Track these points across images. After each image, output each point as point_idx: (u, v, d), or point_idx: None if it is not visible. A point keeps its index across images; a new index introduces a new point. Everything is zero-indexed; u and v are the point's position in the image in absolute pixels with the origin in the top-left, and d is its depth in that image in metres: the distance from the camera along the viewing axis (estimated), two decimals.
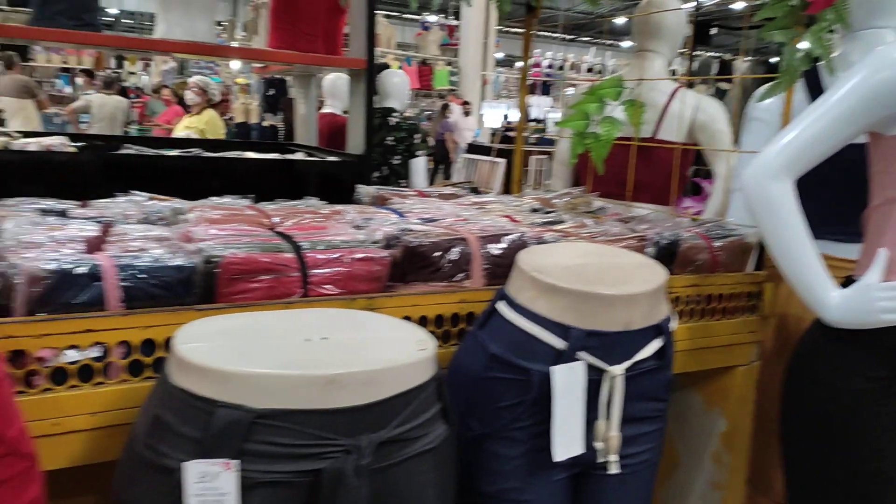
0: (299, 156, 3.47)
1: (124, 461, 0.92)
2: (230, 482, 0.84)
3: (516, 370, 1.09)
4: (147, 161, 2.89)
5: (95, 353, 1.04)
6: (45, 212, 1.43)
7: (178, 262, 1.11)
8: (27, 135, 2.96)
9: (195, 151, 3.28)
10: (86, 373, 1.03)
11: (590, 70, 14.18)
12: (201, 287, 1.13)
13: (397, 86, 3.53)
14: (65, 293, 1.02)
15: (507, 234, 1.39)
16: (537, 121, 11.17)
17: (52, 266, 1.02)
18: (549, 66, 13.90)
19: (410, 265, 1.30)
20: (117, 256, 1.09)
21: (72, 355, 1.02)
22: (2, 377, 0.80)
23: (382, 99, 3.55)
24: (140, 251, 1.13)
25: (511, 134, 10.99)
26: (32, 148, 2.69)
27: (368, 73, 3.01)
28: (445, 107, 10.58)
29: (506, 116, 10.53)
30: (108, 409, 1.04)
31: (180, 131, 5.45)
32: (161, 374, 0.93)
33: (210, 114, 5.40)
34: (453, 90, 11.73)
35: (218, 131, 5.37)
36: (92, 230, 1.27)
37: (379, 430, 0.89)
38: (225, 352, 0.89)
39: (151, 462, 0.87)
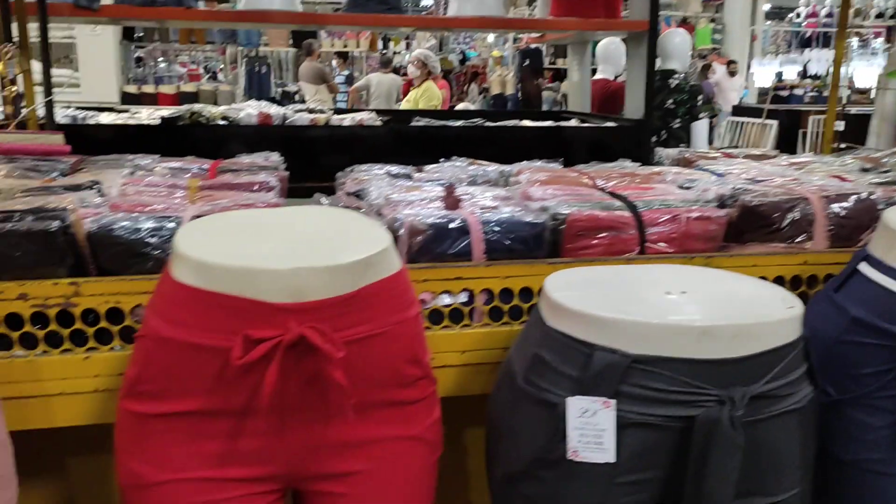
0: (573, 123, 3.52)
1: (502, 393, 1.03)
2: (608, 419, 0.90)
3: (883, 335, 1.02)
4: (439, 131, 3.13)
5: (463, 298, 1.17)
6: (393, 175, 1.62)
7: (530, 218, 1.20)
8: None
9: (478, 122, 3.49)
10: (456, 316, 1.16)
11: (880, 16, 12.39)
12: (549, 242, 1.21)
13: (679, 46, 3.40)
14: (440, 244, 1.16)
15: (852, 194, 1.30)
16: (814, 77, 10.08)
17: (431, 220, 1.16)
18: (829, 16, 12.39)
19: (748, 225, 1.27)
20: (480, 213, 1.20)
21: (445, 299, 1.16)
22: (419, 313, 0.94)
23: (662, 61, 3.44)
24: (494, 209, 1.24)
25: (782, 93, 10.01)
26: (347, 123, 3.05)
27: (651, 35, 2.94)
28: (707, 67, 9.93)
29: (779, 74, 9.61)
30: (473, 349, 1.17)
31: (404, 103, 5.81)
32: (534, 317, 1.02)
33: (427, 84, 5.69)
34: (716, 49, 10.98)
35: (431, 101, 5.64)
36: (439, 191, 1.41)
37: (750, 384, 0.89)
38: (597, 300, 0.95)
39: (531, 395, 0.96)
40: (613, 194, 1.32)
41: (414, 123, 3.41)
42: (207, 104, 3.81)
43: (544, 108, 8.44)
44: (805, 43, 11.62)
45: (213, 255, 0.81)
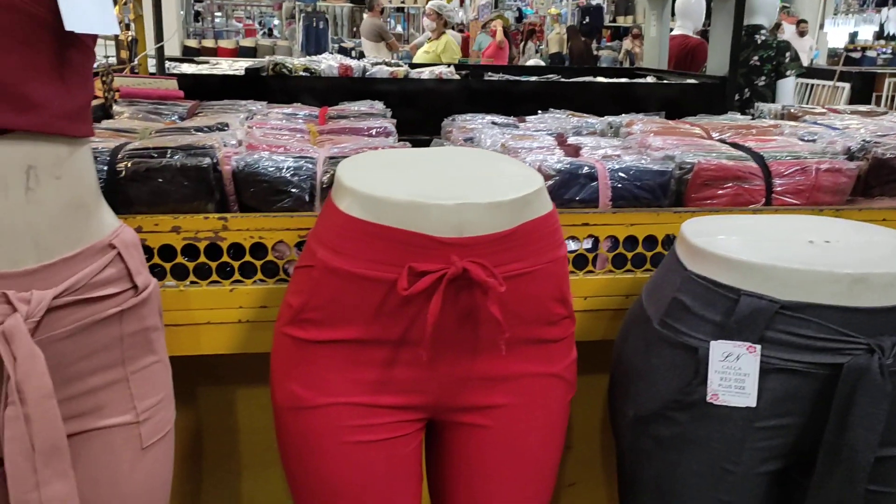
0: (650, 80, 3.45)
1: (633, 338, 1.05)
2: (752, 364, 0.91)
3: None
4: (517, 86, 3.11)
5: (588, 244, 1.18)
6: (498, 125, 1.63)
7: (657, 167, 1.19)
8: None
9: (553, 77, 3.46)
10: (580, 261, 1.18)
11: None
12: (674, 191, 1.21)
13: (766, 0, 3.28)
14: (567, 190, 1.17)
15: None
16: (891, 37, 9.62)
17: (559, 166, 1.17)
18: None
19: (878, 178, 1.24)
20: (606, 161, 1.21)
21: (571, 245, 1.17)
22: (567, 253, 0.95)
23: (748, 15, 3.33)
24: (617, 157, 1.24)
25: (854, 55, 9.61)
26: (426, 76, 3.05)
27: None
28: (777, 26, 9.57)
29: (854, 35, 9.20)
30: (595, 295, 1.18)
31: (420, 57, 5.65)
32: (670, 263, 1.02)
33: (446, 38, 5.50)
34: (786, 7, 10.55)
35: (454, 55, 5.46)
36: (551, 140, 1.42)
37: None
38: (740, 246, 0.95)
39: (668, 339, 0.97)
40: (736, 145, 1.30)
41: (488, 78, 3.39)
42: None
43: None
44: (882, 1, 11.07)
45: (381, 189, 0.83)
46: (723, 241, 0.96)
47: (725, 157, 1.22)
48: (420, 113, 1.99)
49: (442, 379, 0.90)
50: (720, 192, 1.20)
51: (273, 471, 1.35)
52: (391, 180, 0.87)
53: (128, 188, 1.03)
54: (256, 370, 1.27)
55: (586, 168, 1.17)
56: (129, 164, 1.03)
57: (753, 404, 0.92)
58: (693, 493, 0.97)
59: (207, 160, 1.05)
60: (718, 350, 0.92)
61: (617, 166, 1.19)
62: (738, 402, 0.92)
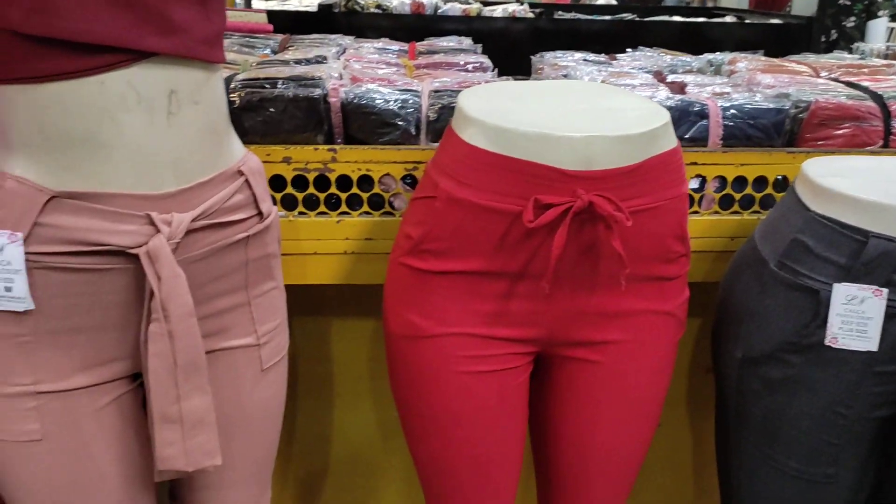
0: (729, 19, 3.31)
1: (745, 279, 1.02)
2: (877, 308, 0.89)
3: None
4: (592, 25, 3.02)
5: (695, 185, 1.15)
6: (588, 61, 1.59)
7: (773, 105, 1.15)
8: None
9: (628, 16, 3.35)
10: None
11: None
12: (787, 131, 1.17)
13: None
14: (677, 128, 1.13)
15: None
16: None
17: (670, 103, 1.13)
18: None
19: None
20: (717, 98, 1.17)
21: None
22: (688, 191, 0.93)
23: None
24: (727, 95, 1.20)
25: None
26: (498, 14, 2.98)
27: None
28: None
29: None
30: (699, 237, 1.16)
31: None
32: (790, 203, 0.99)
33: None
34: None
35: None
36: (649, 77, 1.38)
37: None
38: (867, 187, 0.92)
39: (786, 281, 0.95)
40: (851, 84, 1.25)
41: (559, 16, 3.30)
42: None
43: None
44: None
45: (507, 120, 0.82)
46: (849, 182, 0.93)
47: (844, 95, 1.17)
48: (494, 52, 1.95)
49: (557, 312, 0.90)
50: (836, 132, 1.15)
51: (365, 401, 1.39)
52: (515, 111, 0.86)
53: (241, 118, 1.04)
54: (353, 302, 1.29)
55: (697, 105, 1.13)
56: (243, 94, 1.04)
57: (875, 349, 0.90)
58: (802, 436, 0.96)
59: (318, 91, 1.05)
60: (842, 293, 0.90)
61: (729, 104, 1.15)
62: (858, 345, 0.90)
